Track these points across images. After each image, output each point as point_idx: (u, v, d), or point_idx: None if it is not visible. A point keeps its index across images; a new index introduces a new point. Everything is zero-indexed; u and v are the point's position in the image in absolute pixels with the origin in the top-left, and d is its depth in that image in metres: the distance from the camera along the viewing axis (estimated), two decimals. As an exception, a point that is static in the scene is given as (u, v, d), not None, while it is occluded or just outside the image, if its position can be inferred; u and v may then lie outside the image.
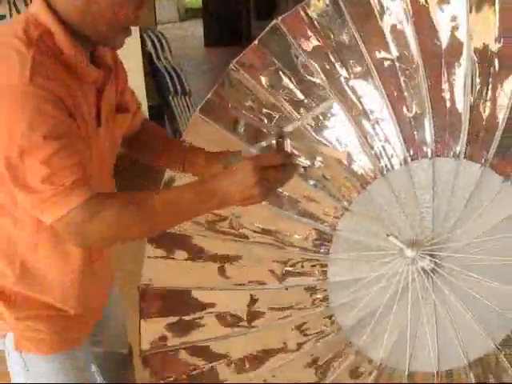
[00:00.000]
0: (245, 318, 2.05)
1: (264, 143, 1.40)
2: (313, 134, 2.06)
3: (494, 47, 1.83)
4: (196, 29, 8.09)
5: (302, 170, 1.54)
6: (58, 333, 1.56)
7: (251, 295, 2.07)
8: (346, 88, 2.05)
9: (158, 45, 3.12)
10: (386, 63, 2.00)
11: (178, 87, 4.31)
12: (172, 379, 2.02)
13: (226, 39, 10.06)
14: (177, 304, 2.06)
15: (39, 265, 1.50)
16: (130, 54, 2.81)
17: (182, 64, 4.68)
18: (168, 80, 4.24)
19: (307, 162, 1.53)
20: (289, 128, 1.35)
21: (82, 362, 1.63)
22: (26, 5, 3.81)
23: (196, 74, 5.99)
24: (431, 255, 1.89)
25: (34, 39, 1.28)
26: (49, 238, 1.46)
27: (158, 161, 1.80)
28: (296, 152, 1.43)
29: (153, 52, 2.97)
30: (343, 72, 2.04)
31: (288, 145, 1.34)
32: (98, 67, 1.44)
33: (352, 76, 2.04)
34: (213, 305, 2.09)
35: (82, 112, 1.36)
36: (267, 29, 2.02)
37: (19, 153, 1.22)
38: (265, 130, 1.99)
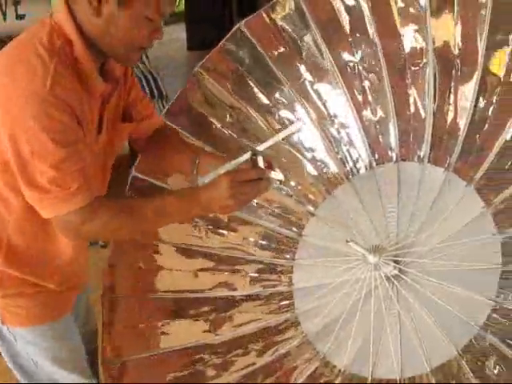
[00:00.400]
0: (208, 328, 2.01)
1: (241, 159, 1.52)
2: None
3: (455, 51, 1.81)
4: (180, 33, 8.03)
5: (278, 183, 1.62)
6: (40, 307, 1.66)
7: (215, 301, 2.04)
8: (311, 92, 2.04)
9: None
10: (350, 67, 1.98)
11: (155, 91, 4.27)
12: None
13: (208, 43, 9.92)
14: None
15: (25, 245, 1.58)
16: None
17: (165, 67, 4.63)
18: (144, 83, 4.20)
19: (281, 176, 1.59)
20: (261, 147, 1.52)
21: (65, 332, 1.74)
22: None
23: (178, 77, 5.94)
24: (395, 261, 1.87)
25: (57, 48, 1.36)
26: (36, 221, 1.52)
27: (169, 165, 1.88)
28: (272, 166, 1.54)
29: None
30: (307, 76, 2.03)
31: (261, 161, 1.48)
32: (106, 80, 1.50)
33: (316, 80, 2.02)
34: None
35: (87, 120, 1.45)
36: (231, 33, 2.00)
37: (30, 152, 1.33)
38: (228, 133, 1.99)
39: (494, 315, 1.73)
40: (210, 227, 2.07)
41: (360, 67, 1.98)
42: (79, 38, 1.39)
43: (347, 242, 1.76)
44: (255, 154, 1.49)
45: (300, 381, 1.93)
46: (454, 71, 1.85)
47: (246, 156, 1.50)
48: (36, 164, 1.34)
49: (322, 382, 1.92)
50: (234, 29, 1.99)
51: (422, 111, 1.91)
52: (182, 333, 2.02)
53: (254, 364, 1.98)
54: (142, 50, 1.48)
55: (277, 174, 1.54)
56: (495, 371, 1.70)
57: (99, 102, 1.50)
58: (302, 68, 2.02)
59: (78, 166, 1.38)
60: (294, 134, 1.82)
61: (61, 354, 1.76)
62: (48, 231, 1.57)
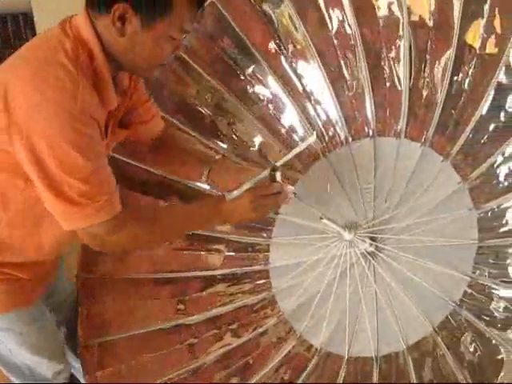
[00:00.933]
0: (184, 308, 1.99)
1: (262, 175, 1.61)
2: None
3: (430, 23, 1.78)
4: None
5: (292, 195, 1.73)
6: (6, 294, 1.65)
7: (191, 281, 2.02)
8: (286, 67, 2.01)
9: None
10: (325, 42, 1.95)
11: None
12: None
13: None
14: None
15: (9, 235, 1.56)
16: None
17: None
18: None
19: (294, 189, 1.75)
20: (280, 162, 1.62)
21: (35, 318, 1.74)
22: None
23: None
24: (371, 238, 1.84)
25: (81, 61, 1.34)
26: (32, 217, 1.52)
27: (179, 169, 1.91)
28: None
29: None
30: (283, 51, 1.99)
31: (279, 176, 1.60)
32: (116, 92, 1.48)
33: (291, 55, 1.99)
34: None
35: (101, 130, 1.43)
36: (204, 7, 1.94)
37: (58, 167, 1.30)
38: (204, 112, 1.96)
39: (470, 291, 1.70)
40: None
41: (335, 41, 1.94)
42: (101, 51, 1.38)
43: (320, 218, 1.73)
44: (274, 169, 1.60)
45: (277, 360, 1.89)
46: (429, 43, 1.81)
47: (267, 172, 1.61)
48: (64, 177, 1.32)
49: (298, 360, 1.88)
50: (207, 2, 1.94)
51: (397, 85, 1.88)
52: (159, 313, 1.99)
53: (230, 344, 1.96)
54: (161, 65, 1.51)
55: (291, 188, 1.73)
56: (471, 348, 1.67)
57: (107, 111, 1.48)
58: (277, 43, 1.97)
59: (107, 178, 1.39)
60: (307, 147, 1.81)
61: (31, 340, 1.75)
62: (39, 225, 1.55)
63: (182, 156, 1.87)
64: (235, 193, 1.59)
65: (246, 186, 1.59)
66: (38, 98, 1.28)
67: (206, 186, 1.98)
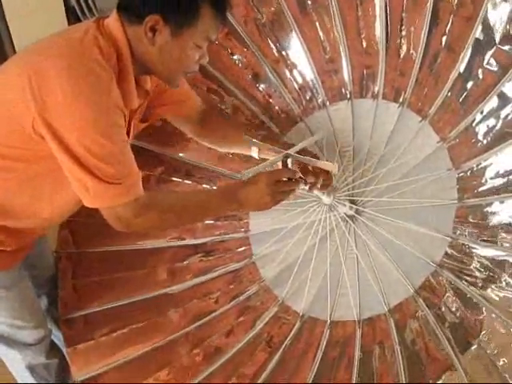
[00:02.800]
0: (166, 277, 1.98)
1: (276, 159, 1.64)
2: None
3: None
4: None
5: (304, 185, 1.69)
6: None
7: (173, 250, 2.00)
8: (262, 31, 1.96)
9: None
10: (300, 4, 1.91)
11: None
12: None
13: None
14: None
15: (10, 202, 1.58)
16: (52, 10, 2.66)
17: None
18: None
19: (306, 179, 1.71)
20: (291, 151, 1.64)
21: (17, 280, 1.76)
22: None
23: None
24: (351, 201, 1.83)
25: (112, 60, 1.41)
26: (38, 186, 1.56)
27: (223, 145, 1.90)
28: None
29: (77, 7, 2.81)
30: (257, 15, 1.95)
31: (290, 164, 1.63)
32: (138, 94, 1.54)
33: (266, 19, 1.95)
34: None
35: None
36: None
37: (87, 151, 1.35)
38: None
39: (451, 251, 1.70)
40: (164, 176, 2.02)
41: (309, 2, 1.90)
42: (129, 54, 1.45)
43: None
44: (287, 156, 1.63)
45: (260, 326, 1.89)
46: (405, 1, 1.77)
47: (280, 157, 1.63)
48: (92, 160, 1.36)
49: (281, 326, 1.87)
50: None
51: (374, 45, 1.85)
52: (140, 285, 1.98)
53: (214, 311, 1.95)
54: (187, 73, 1.58)
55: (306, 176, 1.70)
56: (452, 308, 1.67)
57: (129, 109, 1.53)
58: (252, 4, 1.94)
59: (129, 163, 1.44)
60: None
61: (11, 304, 1.76)
62: (38, 196, 1.58)
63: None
64: (250, 171, 1.61)
65: (259, 168, 1.62)
66: (75, 90, 1.32)
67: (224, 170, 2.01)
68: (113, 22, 1.45)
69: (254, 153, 1.77)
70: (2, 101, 1.42)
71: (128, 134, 1.53)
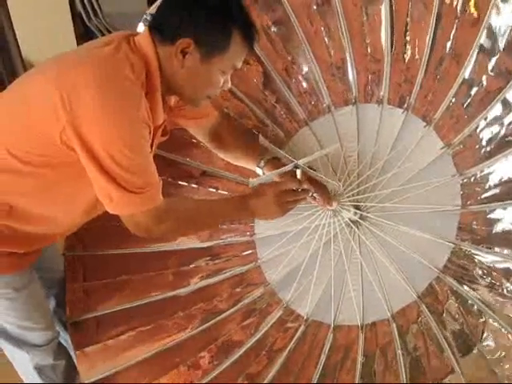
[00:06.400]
0: (172, 280, 2.00)
1: (285, 168, 1.67)
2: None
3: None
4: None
5: (311, 195, 1.74)
6: (6, 259, 1.69)
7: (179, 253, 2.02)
8: (269, 37, 1.97)
9: (87, 4, 2.94)
10: (306, 9, 1.91)
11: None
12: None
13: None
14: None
15: (29, 208, 1.60)
16: (58, 15, 2.68)
17: (121, 26, 4.50)
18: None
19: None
20: (301, 161, 1.66)
21: (27, 280, 1.77)
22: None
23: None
24: (356, 206, 1.83)
25: (143, 76, 1.44)
26: (63, 192, 1.59)
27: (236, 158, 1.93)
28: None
29: (82, 12, 2.83)
30: (264, 19, 1.95)
31: (299, 174, 1.67)
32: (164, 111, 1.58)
33: (272, 23, 1.95)
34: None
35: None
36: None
37: (112, 162, 1.39)
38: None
39: (454, 258, 1.70)
40: (170, 180, 2.03)
41: (315, 7, 1.90)
42: (158, 73, 1.48)
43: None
44: (296, 166, 1.66)
45: (264, 329, 1.91)
46: (410, 5, 1.77)
47: (290, 167, 1.66)
48: (116, 169, 1.40)
49: (285, 329, 1.89)
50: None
51: (379, 50, 1.85)
52: (146, 287, 2.00)
53: (219, 314, 1.97)
54: (210, 97, 1.61)
55: (310, 187, 1.72)
56: (454, 314, 1.68)
57: (154, 126, 1.56)
58: (258, 10, 1.94)
59: (151, 173, 1.48)
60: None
61: (21, 306, 1.77)
62: (57, 204, 1.62)
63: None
64: (258, 180, 1.66)
65: (268, 176, 1.69)
66: (106, 104, 1.36)
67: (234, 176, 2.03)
68: (144, 40, 1.48)
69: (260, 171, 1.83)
70: (24, 110, 1.45)
71: (151, 146, 1.55)
